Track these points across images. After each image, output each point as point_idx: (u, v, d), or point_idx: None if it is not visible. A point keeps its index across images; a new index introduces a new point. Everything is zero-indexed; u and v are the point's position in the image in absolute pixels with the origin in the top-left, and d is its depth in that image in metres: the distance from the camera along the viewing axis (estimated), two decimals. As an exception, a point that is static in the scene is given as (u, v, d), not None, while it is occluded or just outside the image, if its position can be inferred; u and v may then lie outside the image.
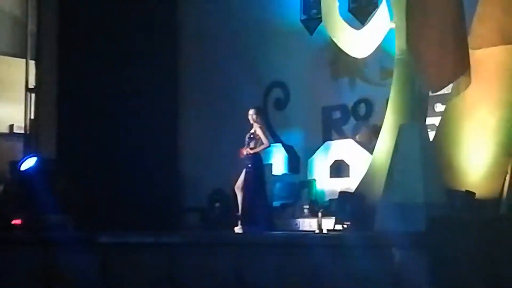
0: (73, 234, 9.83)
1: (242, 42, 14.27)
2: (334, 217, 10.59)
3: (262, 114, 11.44)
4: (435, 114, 11.30)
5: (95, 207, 12.22)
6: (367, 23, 11.79)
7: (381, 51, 11.88)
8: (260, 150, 10.97)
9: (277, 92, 14.18)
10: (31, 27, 14.52)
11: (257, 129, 10.99)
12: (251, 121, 11.07)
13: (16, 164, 11.44)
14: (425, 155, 8.49)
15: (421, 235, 7.28)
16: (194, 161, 14.47)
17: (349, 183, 12.03)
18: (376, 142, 10.75)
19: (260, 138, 10.94)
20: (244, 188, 10.86)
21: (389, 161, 8.85)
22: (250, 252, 8.01)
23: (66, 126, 13.10)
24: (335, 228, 10.40)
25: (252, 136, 11.00)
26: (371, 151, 11.55)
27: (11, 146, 15.39)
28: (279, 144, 13.61)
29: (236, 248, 8.10)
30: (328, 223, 10.77)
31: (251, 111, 11.10)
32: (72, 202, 10.88)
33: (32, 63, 14.32)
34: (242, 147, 11.03)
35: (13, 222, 10.49)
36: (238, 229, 10.70)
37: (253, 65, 14.09)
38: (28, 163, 11.10)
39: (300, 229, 11.86)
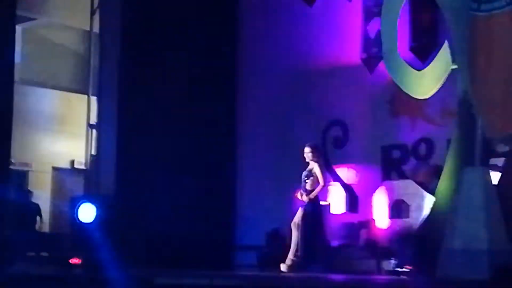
0: (130, 273, 9.84)
1: (301, 80, 14.23)
2: (393, 259, 10.40)
3: (319, 151, 11.25)
4: (498, 154, 11.03)
5: (153, 245, 12.25)
6: (428, 63, 11.63)
7: (443, 90, 11.72)
8: (316, 193, 10.79)
9: (336, 130, 14.05)
10: (94, 63, 14.76)
11: (314, 166, 10.83)
12: (307, 159, 10.94)
13: (75, 200, 11.59)
14: (489, 200, 8.29)
15: (486, 284, 7.07)
16: (251, 199, 14.42)
17: (409, 224, 11.80)
18: (437, 183, 10.53)
19: (316, 176, 10.78)
20: (301, 226, 10.72)
21: (451, 204, 8.65)
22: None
23: (126, 163, 13.20)
24: (395, 270, 10.21)
25: (309, 173, 10.86)
26: (431, 192, 11.32)
27: (72, 182, 15.65)
28: (338, 183, 13.46)
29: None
30: (387, 265, 10.57)
31: (306, 149, 10.95)
32: (129, 240, 10.94)
33: (93, 99, 14.51)
34: (299, 185, 10.91)
35: (71, 261, 10.58)
36: (283, 267, 10.55)
37: (312, 102, 14.02)
38: (87, 212, 11.11)
39: (359, 270, 11.67)
